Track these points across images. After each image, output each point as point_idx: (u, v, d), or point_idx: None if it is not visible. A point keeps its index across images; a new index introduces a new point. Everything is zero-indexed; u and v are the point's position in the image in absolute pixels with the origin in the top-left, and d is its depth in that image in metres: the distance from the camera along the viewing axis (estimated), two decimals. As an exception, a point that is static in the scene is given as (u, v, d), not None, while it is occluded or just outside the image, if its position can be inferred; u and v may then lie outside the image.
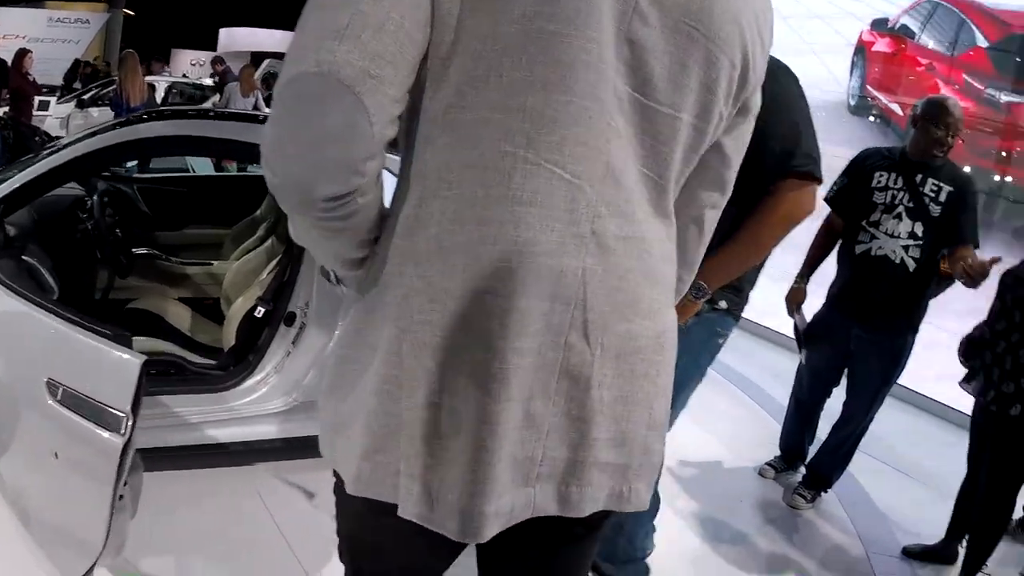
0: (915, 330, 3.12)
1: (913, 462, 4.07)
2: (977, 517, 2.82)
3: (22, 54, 8.05)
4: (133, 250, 3.37)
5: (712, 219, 1.09)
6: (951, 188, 2.94)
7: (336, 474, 0.98)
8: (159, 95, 10.00)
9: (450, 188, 0.85)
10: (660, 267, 0.97)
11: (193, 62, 23.20)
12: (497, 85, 0.82)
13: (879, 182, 3.04)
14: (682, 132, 0.92)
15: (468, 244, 0.84)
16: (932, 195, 2.95)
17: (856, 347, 3.17)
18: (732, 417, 4.36)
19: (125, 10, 20.48)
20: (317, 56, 0.76)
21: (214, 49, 23.42)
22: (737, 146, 1.04)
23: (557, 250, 0.85)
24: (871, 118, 5.93)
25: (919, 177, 2.98)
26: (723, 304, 2.06)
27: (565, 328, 0.88)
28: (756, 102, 1.03)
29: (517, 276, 0.84)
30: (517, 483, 0.91)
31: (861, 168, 3.14)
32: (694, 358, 2.07)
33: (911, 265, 2.98)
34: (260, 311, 2.69)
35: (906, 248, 2.98)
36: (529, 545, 1.04)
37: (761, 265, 2.10)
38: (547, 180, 0.84)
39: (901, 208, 2.98)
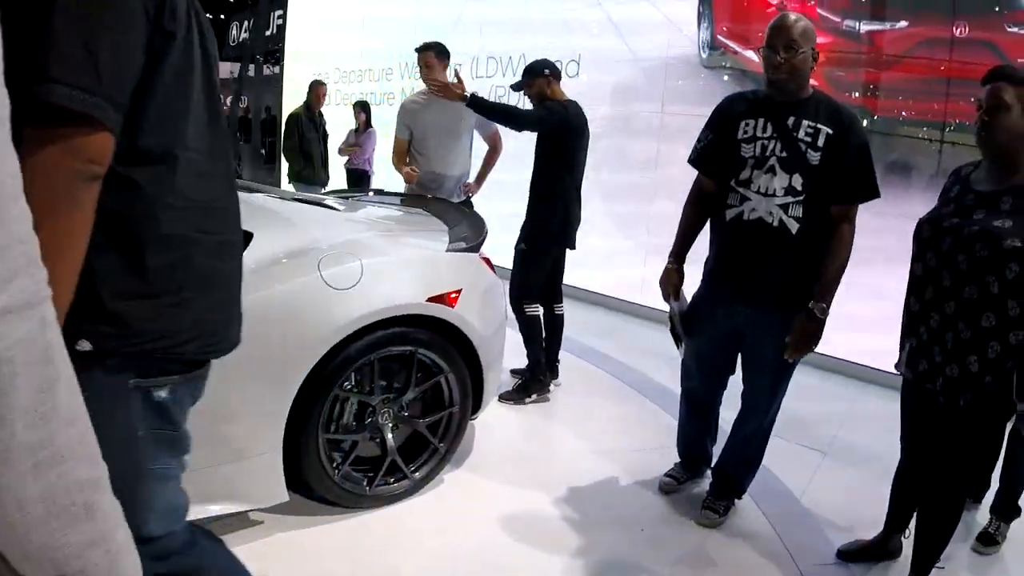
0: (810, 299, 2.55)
1: (834, 438, 3.58)
2: (925, 514, 2.28)
3: None
4: None
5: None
6: (830, 129, 2.42)
7: None
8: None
9: None
10: None
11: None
12: None
13: (746, 132, 2.51)
14: None
15: None
16: (809, 140, 2.42)
17: (745, 327, 2.63)
18: (616, 416, 3.75)
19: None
20: None
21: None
22: None
23: None
24: (726, 74, 5.48)
25: (791, 120, 2.44)
26: (85, 345, 1.12)
27: None
28: None
29: None
30: None
31: (725, 118, 2.60)
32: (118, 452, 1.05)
33: (793, 227, 2.44)
34: None
35: (784, 207, 2.44)
36: None
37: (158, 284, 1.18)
38: None
39: (774, 160, 2.45)
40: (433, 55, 3.94)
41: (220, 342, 1.31)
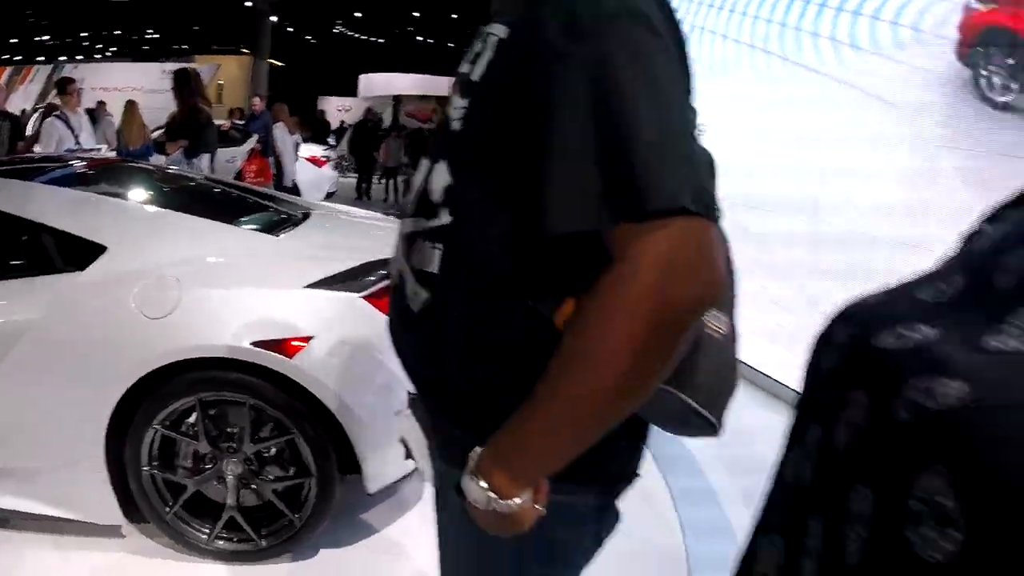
0: None
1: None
2: None
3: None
4: None
5: None
6: (505, 27, 0.91)
7: None
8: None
9: None
10: None
11: (339, 108, 24.65)
12: None
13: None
14: None
15: None
16: (468, 68, 0.94)
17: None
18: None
19: (271, 60, 22.23)
20: None
21: (355, 95, 24.80)
22: None
23: None
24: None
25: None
26: None
27: None
28: None
29: None
30: None
31: None
32: None
33: (417, 296, 1.03)
34: None
35: (414, 257, 1.04)
36: None
37: None
38: None
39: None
40: None
41: None
